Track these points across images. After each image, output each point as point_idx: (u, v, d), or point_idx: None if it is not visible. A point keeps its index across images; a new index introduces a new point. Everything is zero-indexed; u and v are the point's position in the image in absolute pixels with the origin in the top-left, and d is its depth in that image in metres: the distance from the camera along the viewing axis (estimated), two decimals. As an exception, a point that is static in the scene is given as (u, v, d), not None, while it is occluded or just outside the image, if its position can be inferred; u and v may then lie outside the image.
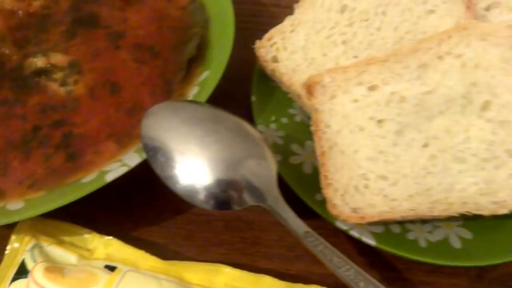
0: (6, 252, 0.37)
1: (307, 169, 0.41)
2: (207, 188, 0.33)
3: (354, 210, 0.36)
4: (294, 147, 0.43)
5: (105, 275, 0.33)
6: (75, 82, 0.41)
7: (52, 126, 0.39)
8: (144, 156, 0.34)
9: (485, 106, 0.36)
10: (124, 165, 0.34)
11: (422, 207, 0.35)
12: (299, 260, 0.39)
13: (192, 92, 0.40)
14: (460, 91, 0.36)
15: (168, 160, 0.34)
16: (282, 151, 0.42)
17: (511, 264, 0.39)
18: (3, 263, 0.36)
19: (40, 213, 0.34)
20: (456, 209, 0.35)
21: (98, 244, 0.37)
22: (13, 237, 0.37)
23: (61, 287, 0.32)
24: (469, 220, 0.39)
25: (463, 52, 0.37)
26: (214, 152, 0.34)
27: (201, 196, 0.33)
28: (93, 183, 0.34)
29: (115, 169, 0.34)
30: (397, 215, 0.35)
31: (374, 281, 0.31)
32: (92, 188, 0.33)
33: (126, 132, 0.38)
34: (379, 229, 0.38)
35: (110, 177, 0.33)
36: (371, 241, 0.37)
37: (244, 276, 0.36)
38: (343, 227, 0.37)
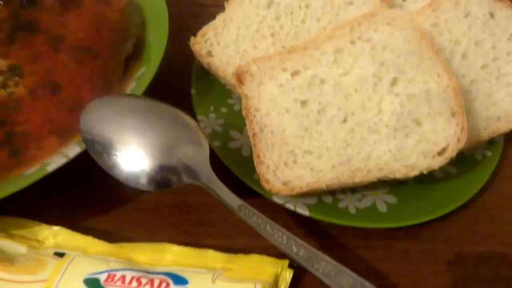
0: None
1: (245, 152, 0.44)
2: (146, 172, 0.36)
3: (285, 183, 0.39)
4: (233, 133, 0.46)
5: (54, 261, 0.35)
6: (16, 84, 0.42)
7: (-5, 126, 0.40)
8: (83, 146, 0.36)
9: (394, 82, 0.40)
10: (65, 156, 0.36)
11: (344, 176, 0.39)
12: (242, 236, 0.42)
13: (130, 87, 0.42)
14: (371, 71, 0.40)
15: (107, 150, 0.36)
16: (221, 138, 0.45)
17: (435, 224, 0.42)
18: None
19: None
20: (374, 175, 0.39)
21: (47, 234, 0.38)
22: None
23: (11, 275, 0.33)
24: (394, 187, 0.43)
25: (372, 36, 0.41)
26: (148, 139, 0.36)
27: (142, 180, 0.36)
28: (36, 174, 0.35)
29: (56, 160, 0.36)
30: (322, 184, 0.39)
31: (304, 243, 0.35)
32: (35, 178, 0.35)
33: (68, 127, 0.39)
34: (313, 201, 0.41)
35: (51, 168, 0.35)
36: (305, 212, 0.40)
37: (189, 252, 0.38)
38: (279, 201, 0.40)
